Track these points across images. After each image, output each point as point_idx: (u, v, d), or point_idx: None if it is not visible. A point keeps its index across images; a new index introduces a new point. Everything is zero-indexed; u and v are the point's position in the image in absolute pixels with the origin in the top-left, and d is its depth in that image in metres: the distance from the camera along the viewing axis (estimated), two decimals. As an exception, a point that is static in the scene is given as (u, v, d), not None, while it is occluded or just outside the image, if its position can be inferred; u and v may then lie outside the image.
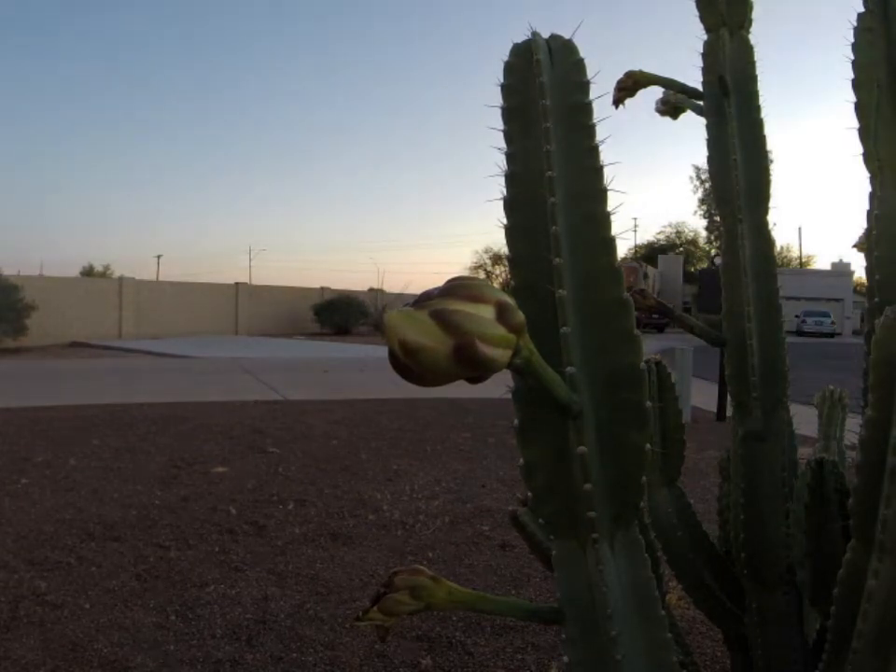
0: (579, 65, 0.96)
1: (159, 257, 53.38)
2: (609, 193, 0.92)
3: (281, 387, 9.57)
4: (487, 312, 0.68)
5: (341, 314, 23.47)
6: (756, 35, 1.43)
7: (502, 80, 0.97)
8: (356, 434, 6.21)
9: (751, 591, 1.44)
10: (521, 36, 0.97)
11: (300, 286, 26.21)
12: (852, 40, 1.36)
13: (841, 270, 40.31)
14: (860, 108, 1.34)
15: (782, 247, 48.38)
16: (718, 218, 1.49)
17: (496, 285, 0.75)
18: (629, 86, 1.51)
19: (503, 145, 0.96)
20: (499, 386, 0.94)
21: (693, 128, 1.49)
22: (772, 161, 1.45)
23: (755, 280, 1.40)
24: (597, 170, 0.93)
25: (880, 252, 1.28)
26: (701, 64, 1.45)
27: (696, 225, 53.17)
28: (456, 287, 0.69)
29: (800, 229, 65.11)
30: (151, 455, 5.24)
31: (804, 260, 51.25)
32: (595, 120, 0.95)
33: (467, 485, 4.53)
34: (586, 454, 0.87)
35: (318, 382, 10.37)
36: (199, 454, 5.29)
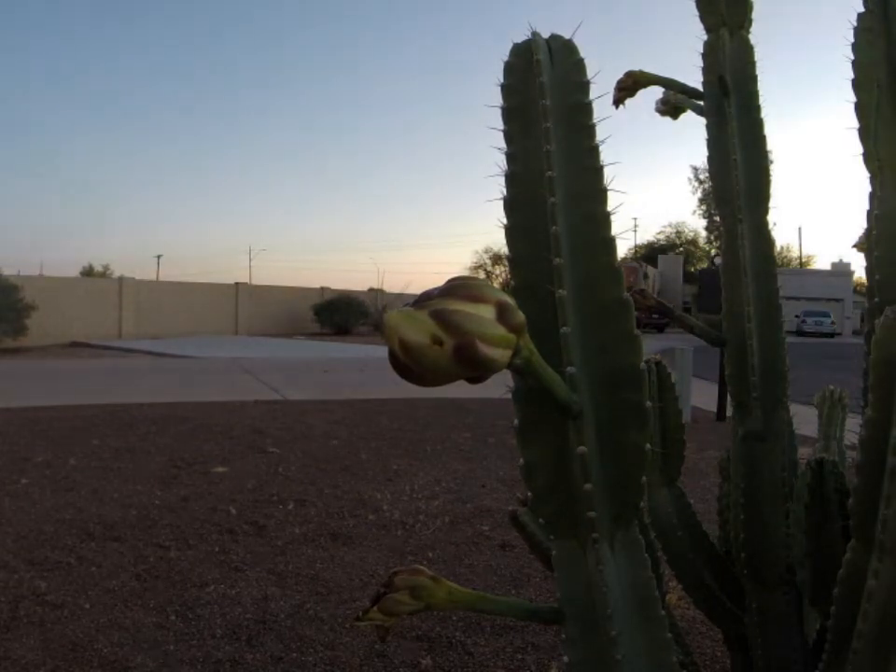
0: (579, 65, 0.96)
1: (159, 257, 53.49)
2: (608, 193, 0.93)
3: (281, 387, 9.57)
4: (487, 312, 0.68)
5: (341, 314, 23.48)
6: (756, 35, 1.43)
7: (502, 80, 0.97)
8: (356, 434, 6.21)
9: (751, 591, 1.44)
10: (521, 36, 0.97)
11: (300, 286, 26.27)
12: (852, 40, 1.35)
13: (841, 270, 40.30)
14: (860, 108, 1.34)
15: (782, 247, 48.47)
16: (718, 218, 1.49)
17: (496, 285, 0.75)
18: (629, 86, 1.51)
19: (503, 145, 0.96)
20: (499, 386, 0.94)
21: (692, 128, 1.49)
22: (772, 161, 1.45)
23: (755, 280, 1.40)
24: (597, 170, 0.93)
25: (880, 252, 1.28)
26: (701, 64, 1.45)
27: (696, 225, 53.30)
28: (456, 287, 0.69)
29: (800, 229, 65.15)
30: (151, 455, 5.24)
31: (804, 260, 51.31)
32: (595, 120, 0.95)
33: (467, 485, 4.53)
34: (586, 454, 0.87)
35: (318, 382, 10.37)
36: (199, 454, 5.29)
